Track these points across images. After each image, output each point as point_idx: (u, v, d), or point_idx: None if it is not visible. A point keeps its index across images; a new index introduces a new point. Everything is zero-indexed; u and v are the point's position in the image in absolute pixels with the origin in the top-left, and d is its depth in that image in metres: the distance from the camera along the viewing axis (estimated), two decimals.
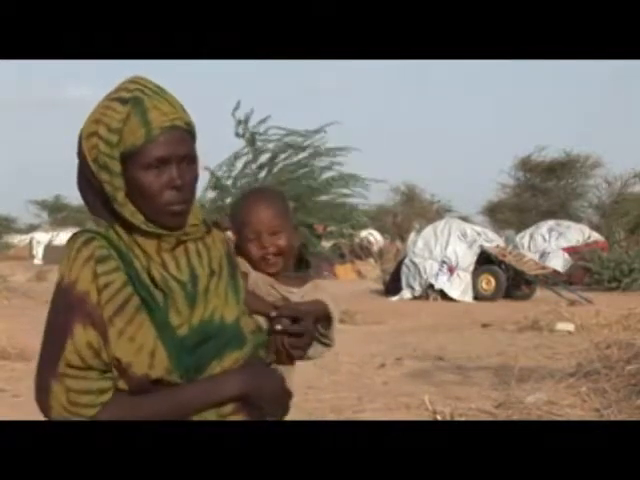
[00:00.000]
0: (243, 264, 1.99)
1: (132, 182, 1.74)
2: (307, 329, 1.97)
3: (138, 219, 1.76)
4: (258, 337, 1.87)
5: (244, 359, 1.80)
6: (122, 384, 1.71)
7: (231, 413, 1.77)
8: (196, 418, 1.74)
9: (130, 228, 1.77)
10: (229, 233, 2.06)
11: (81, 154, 1.78)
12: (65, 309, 1.71)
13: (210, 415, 1.75)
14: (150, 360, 1.70)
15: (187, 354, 1.73)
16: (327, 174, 17.50)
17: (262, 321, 1.94)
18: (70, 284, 1.71)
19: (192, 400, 1.74)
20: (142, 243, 1.77)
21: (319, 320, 2.02)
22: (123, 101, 1.74)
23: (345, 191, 17.58)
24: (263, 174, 17.35)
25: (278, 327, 1.92)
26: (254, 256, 2.04)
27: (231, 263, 1.90)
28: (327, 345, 2.06)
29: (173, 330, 1.73)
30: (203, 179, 17.25)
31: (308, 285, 2.08)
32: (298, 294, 2.00)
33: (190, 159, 1.78)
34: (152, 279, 1.75)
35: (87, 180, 1.78)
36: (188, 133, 1.78)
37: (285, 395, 1.85)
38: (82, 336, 1.68)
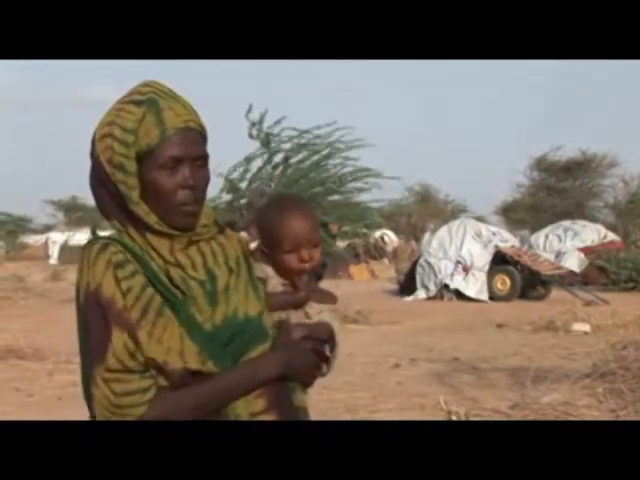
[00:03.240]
0: (261, 268, 1.95)
1: (146, 182, 1.76)
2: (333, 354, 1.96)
3: (152, 219, 1.77)
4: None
5: None
6: (162, 381, 1.73)
7: (261, 412, 1.78)
8: (231, 412, 1.75)
9: (143, 229, 1.78)
10: (243, 234, 2.04)
11: (94, 155, 1.79)
12: (97, 315, 1.71)
13: (241, 408, 1.76)
14: (181, 358, 1.72)
15: (219, 348, 1.75)
16: (341, 171, 17.50)
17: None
18: (95, 289, 1.72)
19: (233, 386, 1.76)
20: (155, 244, 1.78)
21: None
22: (137, 103, 1.76)
23: (359, 185, 17.55)
24: (277, 175, 17.36)
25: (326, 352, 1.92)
26: (292, 268, 1.95)
27: (247, 263, 1.91)
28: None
29: (200, 326, 1.75)
30: (217, 183, 17.32)
31: (327, 306, 2.01)
32: (316, 308, 1.97)
33: (202, 161, 1.80)
34: (170, 280, 1.76)
35: (100, 181, 1.80)
36: (201, 135, 1.80)
37: (315, 366, 1.89)
38: (118, 339, 1.70)
